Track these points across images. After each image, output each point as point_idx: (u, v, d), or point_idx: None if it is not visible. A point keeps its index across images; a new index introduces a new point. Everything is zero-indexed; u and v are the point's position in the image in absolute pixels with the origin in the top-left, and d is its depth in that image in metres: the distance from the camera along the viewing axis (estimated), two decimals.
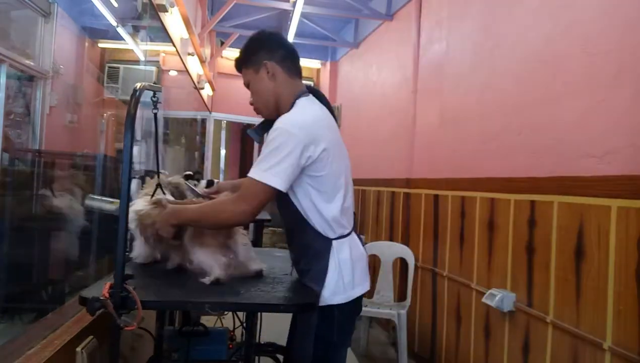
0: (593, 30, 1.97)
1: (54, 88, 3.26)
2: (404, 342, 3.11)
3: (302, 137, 1.41)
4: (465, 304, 2.85)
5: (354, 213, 1.65)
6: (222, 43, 5.85)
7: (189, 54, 3.90)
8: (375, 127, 4.58)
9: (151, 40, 3.65)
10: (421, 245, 3.50)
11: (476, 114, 2.83)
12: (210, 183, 1.68)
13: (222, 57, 6.20)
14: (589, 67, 1.98)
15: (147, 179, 1.79)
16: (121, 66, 4.47)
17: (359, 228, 4.73)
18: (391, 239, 3.97)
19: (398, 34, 4.20)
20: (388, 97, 4.33)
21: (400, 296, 3.57)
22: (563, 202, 2.06)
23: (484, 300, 2.46)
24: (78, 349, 1.51)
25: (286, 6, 4.47)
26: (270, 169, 1.39)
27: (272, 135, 1.43)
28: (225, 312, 2.02)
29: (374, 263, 3.59)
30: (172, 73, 5.16)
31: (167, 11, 2.81)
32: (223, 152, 6.81)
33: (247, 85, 1.65)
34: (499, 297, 2.35)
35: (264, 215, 3.50)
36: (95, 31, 3.94)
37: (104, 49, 4.42)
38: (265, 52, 1.60)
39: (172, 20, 3.17)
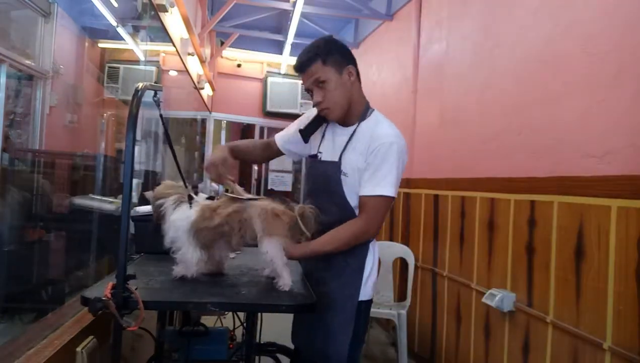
0: (593, 30, 1.97)
1: (54, 88, 3.26)
2: (404, 342, 3.11)
3: (403, 145, 1.57)
4: (465, 304, 2.85)
5: None
6: (222, 43, 5.85)
7: (189, 54, 3.90)
8: None
9: (151, 40, 3.65)
10: (421, 245, 3.50)
11: (476, 114, 2.83)
12: (211, 199, 1.67)
13: (222, 57, 6.20)
14: (589, 67, 1.98)
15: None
16: (121, 66, 4.47)
17: None
18: (391, 239, 3.97)
19: (398, 34, 4.20)
20: (388, 97, 4.33)
21: (400, 296, 3.57)
22: (563, 202, 2.06)
23: (484, 300, 2.46)
24: (78, 349, 1.51)
25: (286, 6, 4.47)
26: (397, 186, 1.55)
27: (387, 149, 1.52)
28: (226, 312, 2.03)
29: None
30: (172, 73, 5.16)
31: (167, 11, 2.81)
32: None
33: (320, 82, 1.56)
34: (499, 297, 2.35)
35: None
36: (95, 31, 3.94)
37: (104, 49, 4.42)
38: (347, 55, 1.61)
39: (172, 20, 3.17)
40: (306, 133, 1.69)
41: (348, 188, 1.59)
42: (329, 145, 1.67)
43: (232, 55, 6.33)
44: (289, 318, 1.73)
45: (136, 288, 1.20)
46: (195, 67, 4.46)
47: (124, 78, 4.41)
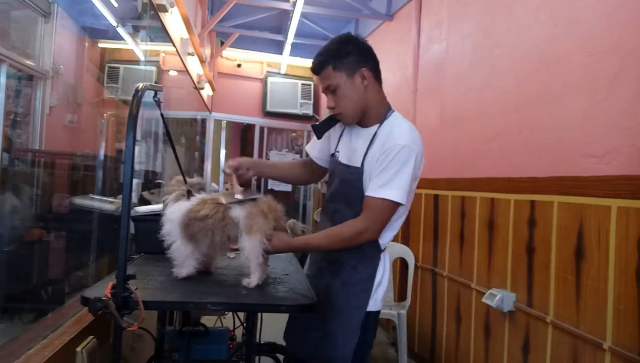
0: (593, 30, 1.97)
1: (54, 88, 3.26)
2: (404, 342, 3.11)
3: (421, 155, 1.50)
4: (465, 304, 2.85)
5: None
6: (222, 43, 5.85)
7: (189, 54, 3.89)
8: None
9: (151, 40, 3.65)
10: (421, 245, 3.50)
11: (476, 114, 2.83)
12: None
13: (222, 57, 6.19)
14: (589, 67, 1.98)
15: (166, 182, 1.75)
16: (121, 66, 4.47)
17: None
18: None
19: (398, 34, 4.20)
20: (388, 97, 4.32)
21: (401, 296, 3.57)
22: (563, 202, 2.06)
23: (484, 300, 2.46)
24: (78, 349, 1.51)
25: (286, 6, 4.47)
26: (404, 191, 1.46)
27: (399, 151, 1.44)
28: (226, 312, 2.03)
29: None
30: (172, 73, 5.16)
31: (167, 11, 2.81)
32: (223, 152, 6.81)
33: (332, 88, 1.54)
34: (499, 297, 2.35)
35: None
36: (95, 31, 3.94)
37: (104, 49, 4.42)
38: (361, 57, 1.53)
39: (172, 20, 3.17)
40: (318, 129, 1.65)
41: None
42: (346, 145, 1.63)
43: (232, 55, 6.33)
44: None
45: (136, 288, 1.20)
46: (195, 67, 4.46)
47: (124, 78, 4.40)
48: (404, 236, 3.75)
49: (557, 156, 2.13)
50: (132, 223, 1.89)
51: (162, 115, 1.56)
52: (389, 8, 4.42)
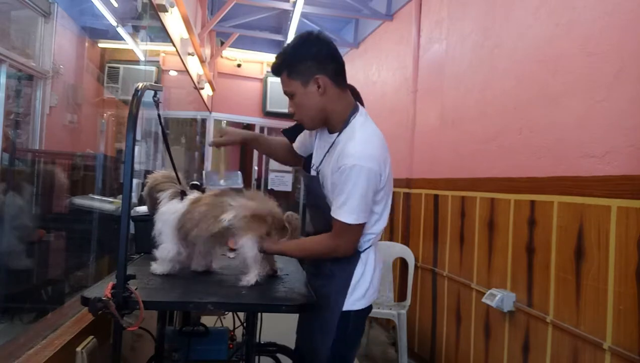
0: (593, 30, 1.97)
1: (54, 88, 3.26)
2: (404, 342, 3.11)
3: (376, 169, 1.41)
4: (465, 304, 2.85)
5: None
6: (222, 43, 5.85)
7: (189, 54, 3.90)
8: None
9: (151, 40, 3.65)
10: (421, 245, 3.50)
11: (476, 114, 2.83)
12: (194, 187, 1.70)
13: (222, 57, 6.19)
14: (589, 67, 1.98)
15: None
16: (121, 66, 4.47)
17: None
18: (391, 239, 3.96)
19: (398, 34, 4.20)
20: (388, 97, 4.33)
21: (401, 296, 3.57)
22: (563, 202, 2.06)
23: (484, 300, 2.46)
24: (78, 349, 1.51)
25: (286, 6, 4.47)
26: (360, 211, 1.41)
27: (349, 172, 1.39)
28: (226, 312, 2.03)
29: None
30: (172, 73, 5.16)
31: (167, 11, 2.81)
32: (223, 152, 6.81)
33: (289, 94, 1.50)
34: (499, 297, 2.35)
35: None
36: (95, 31, 3.94)
37: (104, 49, 4.42)
38: (317, 63, 1.44)
39: (172, 20, 3.17)
40: (289, 134, 1.67)
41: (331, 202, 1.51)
42: (317, 152, 1.63)
43: (232, 55, 6.33)
44: (289, 318, 1.72)
45: (136, 288, 1.20)
46: (195, 67, 4.46)
47: (124, 78, 4.40)
48: (404, 236, 3.75)
49: (557, 156, 2.13)
50: (132, 223, 1.89)
51: (159, 115, 1.57)
52: (389, 8, 4.41)
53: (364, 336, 3.58)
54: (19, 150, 3.01)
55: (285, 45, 1.53)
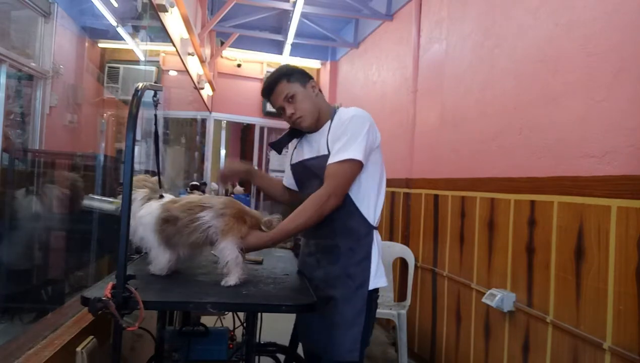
0: (593, 30, 1.97)
1: (54, 88, 3.26)
2: (404, 342, 3.11)
3: (372, 121, 1.64)
4: (465, 304, 2.85)
5: None
6: (222, 43, 5.85)
7: (189, 54, 3.90)
8: None
9: (151, 40, 3.65)
10: (421, 245, 3.50)
11: (476, 114, 2.83)
12: (194, 188, 1.70)
13: (222, 57, 6.19)
14: (589, 67, 1.98)
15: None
16: (121, 66, 4.46)
17: None
18: (391, 239, 3.97)
19: (398, 34, 4.20)
20: (388, 97, 4.33)
21: (401, 296, 3.57)
22: (563, 202, 2.06)
23: (484, 300, 2.46)
24: (78, 349, 1.51)
25: (286, 6, 4.47)
26: (360, 149, 1.56)
27: (348, 123, 1.60)
28: (226, 312, 2.03)
29: None
30: (172, 73, 5.15)
31: (167, 11, 2.81)
32: (223, 152, 6.81)
33: (290, 97, 1.70)
34: (499, 297, 2.35)
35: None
36: (95, 31, 3.93)
37: (104, 49, 4.42)
38: (305, 74, 1.76)
39: (172, 20, 3.17)
40: (275, 145, 1.82)
41: None
42: (305, 148, 1.76)
43: (232, 55, 6.33)
44: (289, 318, 1.73)
45: (136, 288, 1.20)
46: (195, 67, 4.46)
47: (124, 78, 4.40)
48: (404, 236, 3.75)
49: (557, 156, 2.13)
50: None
51: (155, 115, 1.57)
52: (389, 8, 4.42)
53: None
54: (18, 150, 3.01)
55: (272, 71, 1.77)
